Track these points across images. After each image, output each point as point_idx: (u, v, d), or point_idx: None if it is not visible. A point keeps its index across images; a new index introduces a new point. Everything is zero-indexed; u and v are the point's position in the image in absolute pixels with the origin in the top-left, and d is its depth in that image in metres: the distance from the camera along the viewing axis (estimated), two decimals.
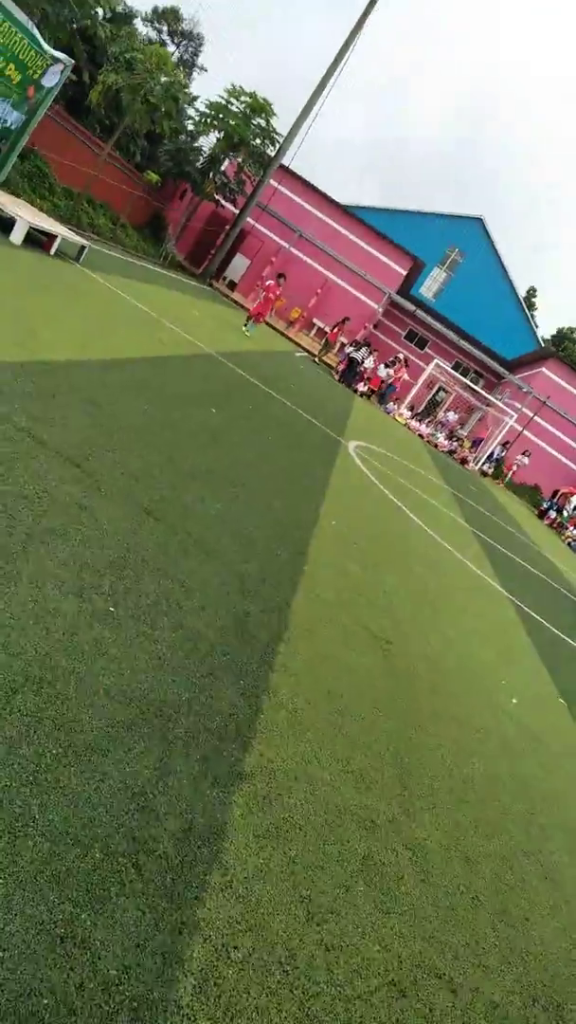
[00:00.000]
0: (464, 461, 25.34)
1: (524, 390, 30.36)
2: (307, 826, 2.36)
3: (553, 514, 25.61)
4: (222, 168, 24.19)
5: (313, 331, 32.12)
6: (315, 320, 32.04)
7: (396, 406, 24.81)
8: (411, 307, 33.15)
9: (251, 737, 2.58)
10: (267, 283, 16.32)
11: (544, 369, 31.17)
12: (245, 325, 15.75)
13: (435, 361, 26.74)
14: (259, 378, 10.75)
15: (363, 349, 23.56)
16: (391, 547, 6.50)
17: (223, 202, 26.32)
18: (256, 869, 2.09)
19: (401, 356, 25.87)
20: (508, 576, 9.10)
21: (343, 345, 25.11)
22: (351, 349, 23.45)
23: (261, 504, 5.11)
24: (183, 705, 2.53)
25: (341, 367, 23.71)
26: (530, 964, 2.47)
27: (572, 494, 26.17)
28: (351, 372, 23.41)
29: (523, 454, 27.60)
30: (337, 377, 23.23)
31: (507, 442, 27.77)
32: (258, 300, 16.09)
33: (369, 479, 8.93)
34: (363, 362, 23.37)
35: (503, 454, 27.26)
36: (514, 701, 4.86)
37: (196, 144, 24.14)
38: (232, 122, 22.64)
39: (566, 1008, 2.40)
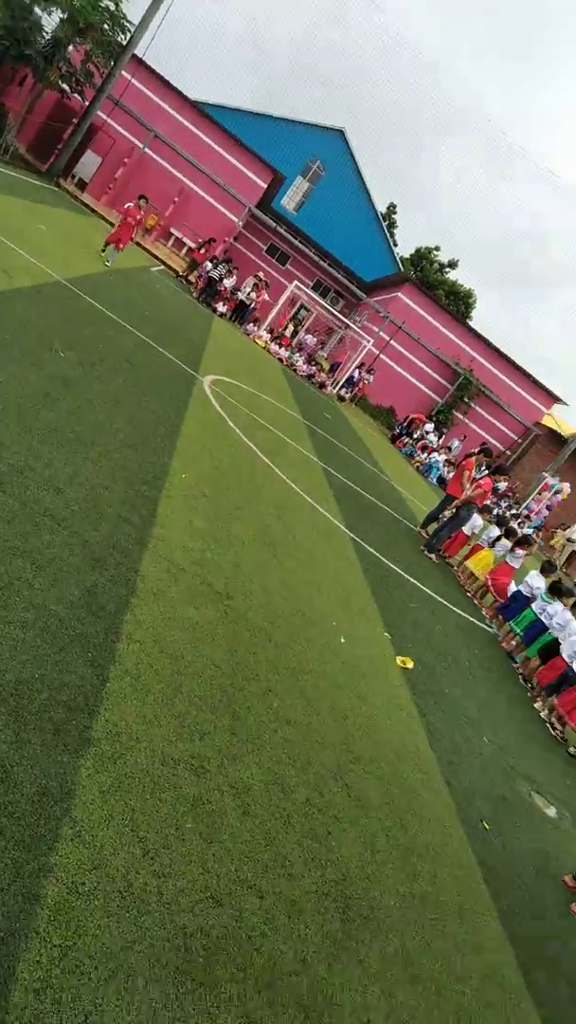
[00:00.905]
0: (322, 386, 26.02)
1: (382, 314, 31.22)
2: (145, 778, 2.83)
3: (406, 439, 27.11)
4: (67, 54, 22.27)
5: (171, 241, 31.04)
6: (172, 230, 30.92)
7: (256, 327, 24.85)
8: (272, 223, 32.70)
9: (98, 705, 2.98)
10: (126, 206, 15.59)
11: (400, 293, 32.11)
12: (103, 251, 15.10)
13: (295, 283, 26.82)
14: (112, 307, 10.57)
15: (222, 267, 23.22)
16: (240, 495, 6.93)
17: (70, 92, 24.36)
18: (101, 819, 2.53)
19: (261, 275, 25.73)
20: (352, 514, 9.86)
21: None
22: (210, 267, 23.04)
23: (111, 462, 5.33)
24: (37, 682, 2.87)
25: (200, 285, 23.31)
26: (327, 869, 3.13)
27: (422, 421, 27.72)
28: (210, 291, 23.09)
29: (368, 371, 28.59)
30: (196, 295, 22.85)
31: (362, 364, 28.69)
32: (117, 225, 15.37)
33: (223, 419, 9.23)
34: (222, 280, 23.08)
35: (360, 378, 28.22)
36: (342, 640, 5.55)
37: (35, 19, 21.85)
38: (76, 2, 20.71)
39: (352, 899, 3.09)
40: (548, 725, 7.37)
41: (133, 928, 2.27)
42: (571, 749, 7.20)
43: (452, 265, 54.02)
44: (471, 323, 40.17)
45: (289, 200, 43.52)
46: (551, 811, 5.60)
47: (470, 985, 3.17)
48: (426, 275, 51.15)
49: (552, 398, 32.38)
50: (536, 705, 7.71)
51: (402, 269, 43.93)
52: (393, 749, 4.53)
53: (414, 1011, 2.80)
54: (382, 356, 30.97)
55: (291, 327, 28.11)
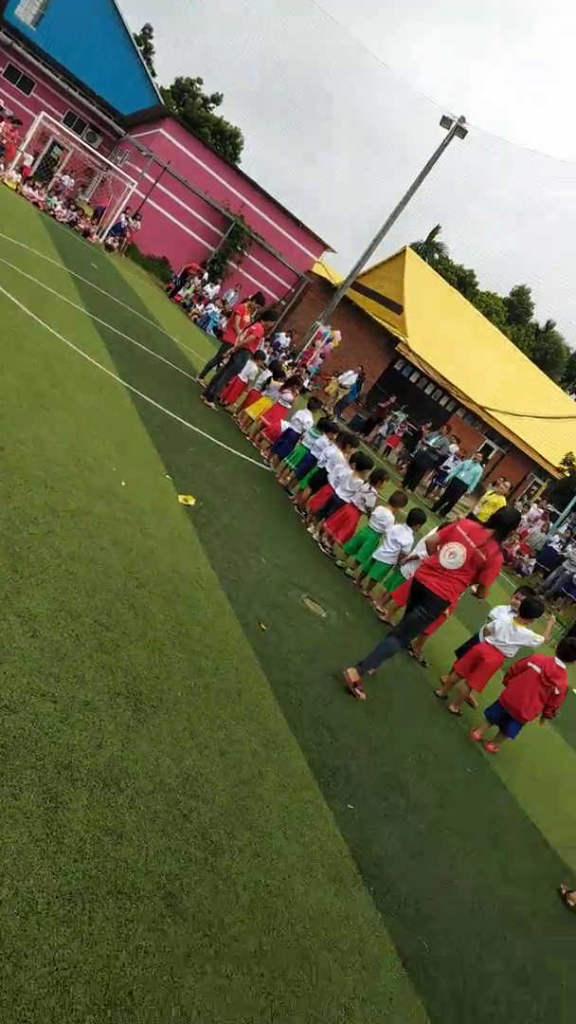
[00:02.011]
0: (87, 233, 24.17)
1: (144, 152, 29.02)
2: None
3: (182, 292, 26.31)
4: None
5: None
6: None
7: (3, 167, 22.13)
8: (7, 39, 28.38)
9: None
10: None
11: (162, 130, 29.89)
12: None
13: (42, 114, 23.91)
14: None
15: None
16: (0, 348, 6.57)
17: None
18: None
19: (1, 104, 22.59)
20: (127, 365, 9.70)
21: None
22: None
23: None
24: None
25: None
26: (118, 674, 3.48)
27: (196, 271, 26.96)
28: None
29: (134, 217, 27.01)
30: None
31: (128, 209, 26.89)
32: None
33: None
34: None
35: (127, 225, 26.49)
36: (123, 484, 5.71)
37: None
38: None
39: (143, 695, 3.48)
40: (320, 545, 8.25)
41: None
42: (339, 562, 8.17)
43: (216, 100, 51.01)
44: (239, 166, 38.70)
45: (24, 12, 37.54)
46: (322, 613, 6.43)
47: (249, 746, 3.77)
48: (189, 111, 47.89)
49: (322, 246, 32.84)
50: (309, 529, 8.54)
51: (162, 102, 40.57)
52: (177, 573, 4.92)
53: (201, 769, 3.31)
54: (149, 201, 29.14)
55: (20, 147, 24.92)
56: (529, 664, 6.16)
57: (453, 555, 5.32)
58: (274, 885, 3.01)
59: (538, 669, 6.08)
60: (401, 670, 6.45)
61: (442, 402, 30.38)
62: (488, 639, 6.44)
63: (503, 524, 5.49)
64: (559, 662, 6.07)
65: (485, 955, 3.64)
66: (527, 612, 6.41)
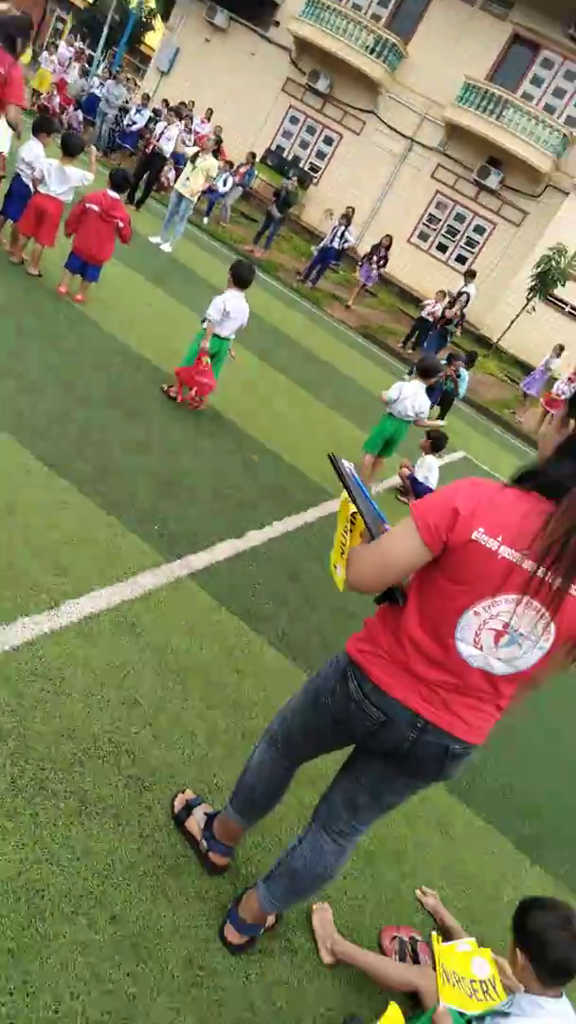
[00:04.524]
0: None
1: None
2: None
3: None
4: None
5: None
6: None
7: None
8: None
9: None
10: None
11: None
12: None
13: None
14: None
15: None
16: None
17: None
18: None
19: None
20: None
21: None
22: None
23: None
24: None
25: None
26: None
27: None
28: None
29: None
30: None
31: None
32: None
33: None
34: None
35: None
36: None
37: None
38: None
39: None
40: None
41: None
42: None
43: None
44: None
45: None
46: None
47: None
48: None
49: None
50: None
51: None
52: None
53: None
54: None
55: None
56: (87, 206, 6.24)
57: None
58: None
59: (97, 208, 6.23)
60: None
61: None
62: (40, 188, 6.27)
63: (18, 26, 5.55)
64: (111, 193, 6.26)
65: (114, 449, 4.50)
66: (67, 151, 6.27)
